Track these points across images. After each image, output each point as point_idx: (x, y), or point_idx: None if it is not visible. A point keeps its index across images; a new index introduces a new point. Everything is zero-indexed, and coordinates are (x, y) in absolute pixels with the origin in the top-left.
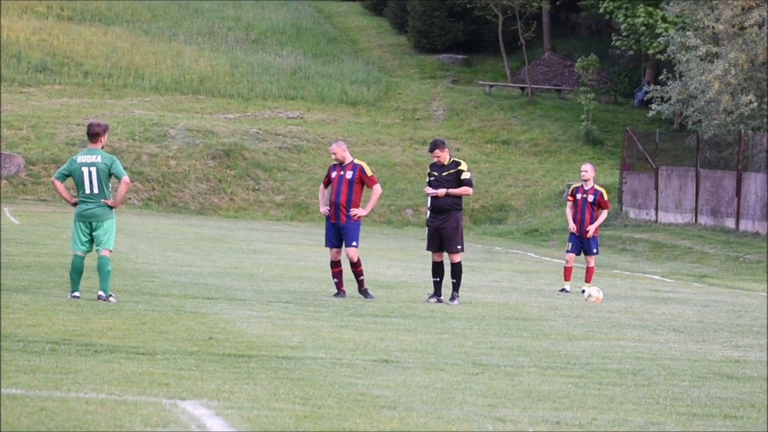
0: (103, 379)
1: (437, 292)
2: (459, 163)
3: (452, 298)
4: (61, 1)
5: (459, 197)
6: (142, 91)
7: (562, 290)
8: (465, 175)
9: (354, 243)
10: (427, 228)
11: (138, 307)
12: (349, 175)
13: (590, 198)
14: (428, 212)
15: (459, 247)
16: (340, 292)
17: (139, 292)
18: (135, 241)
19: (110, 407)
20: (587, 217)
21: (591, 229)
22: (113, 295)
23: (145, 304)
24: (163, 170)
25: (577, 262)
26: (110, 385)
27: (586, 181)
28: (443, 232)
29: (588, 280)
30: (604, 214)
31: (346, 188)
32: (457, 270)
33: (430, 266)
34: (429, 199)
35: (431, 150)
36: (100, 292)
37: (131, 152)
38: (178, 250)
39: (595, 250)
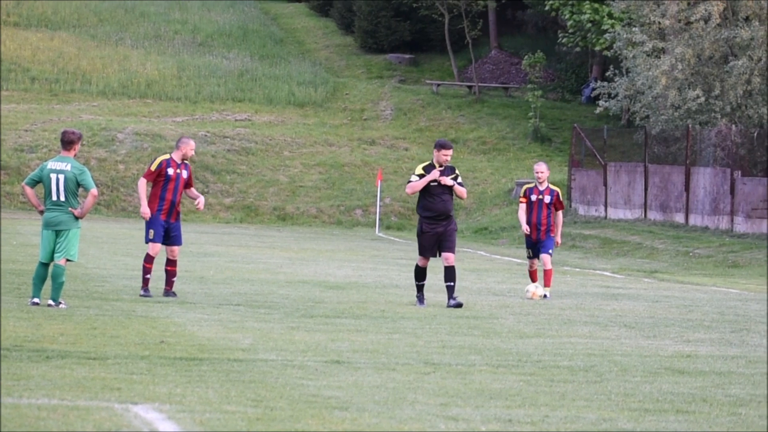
0: (55, 385)
1: (422, 294)
2: (455, 168)
3: (456, 303)
4: (7, 2)
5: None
6: (89, 95)
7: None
8: (460, 179)
9: (181, 242)
10: (423, 234)
11: (89, 312)
12: (185, 174)
13: (547, 199)
14: (424, 218)
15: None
16: (146, 289)
17: (89, 296)
18: (85, 246)
19: (62, 413)
20: (543, 218)
21: (559, 240)
22: (63, 301)
23: (95, 308)
24: (112, 175)
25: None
26: (62, 391)
27: (541, 182)
28: (447, 236)
29: (547, 284)
30: (561, 216)
31: (182, 187)
32: (453, 273)
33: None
34: (429, 204)
35: (442, 147)
36: (50, 301)
37: (80, 157)
38: (128, 254)
39: (550, 250)
